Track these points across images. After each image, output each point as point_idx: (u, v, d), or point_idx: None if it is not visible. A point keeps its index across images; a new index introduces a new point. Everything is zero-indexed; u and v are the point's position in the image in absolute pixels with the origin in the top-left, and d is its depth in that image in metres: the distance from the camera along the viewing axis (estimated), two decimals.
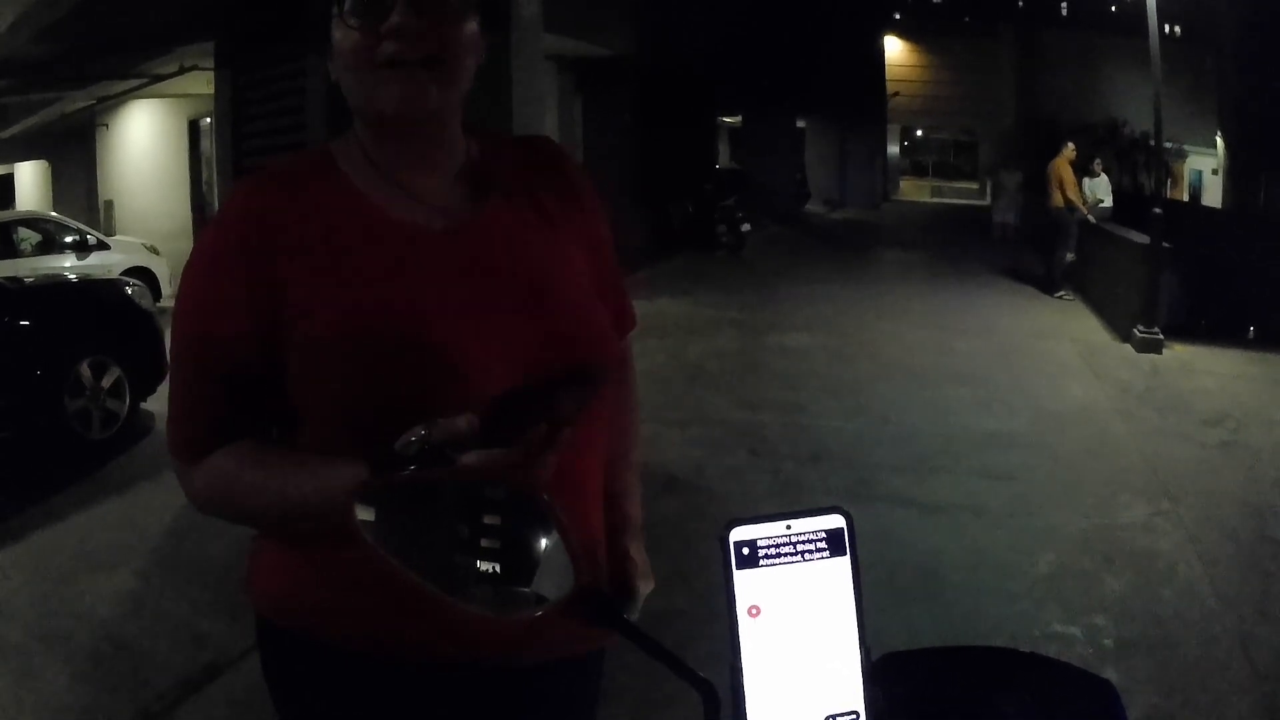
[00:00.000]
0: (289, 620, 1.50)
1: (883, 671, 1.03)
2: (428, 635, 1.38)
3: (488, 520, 1.04)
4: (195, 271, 1.41)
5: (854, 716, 0.99)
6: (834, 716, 0.98)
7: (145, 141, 20.15)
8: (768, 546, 0.99)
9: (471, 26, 1.39)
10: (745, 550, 0.98)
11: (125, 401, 7.68)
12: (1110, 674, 4.04)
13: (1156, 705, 3.96)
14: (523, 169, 1.54)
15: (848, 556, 1.00)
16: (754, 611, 0.97)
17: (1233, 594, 4.96)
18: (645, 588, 1.51)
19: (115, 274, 13.20)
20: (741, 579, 0.98)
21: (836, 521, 1.00)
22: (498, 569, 1.04)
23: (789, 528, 0.99)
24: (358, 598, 1.37)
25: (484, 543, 1.04)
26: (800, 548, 0.99)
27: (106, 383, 7.53)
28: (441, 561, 1.05)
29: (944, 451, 7.17)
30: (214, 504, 1.46)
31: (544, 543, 1.04)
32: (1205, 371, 9.92)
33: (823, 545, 1.00)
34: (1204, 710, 3.99)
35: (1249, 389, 9.27)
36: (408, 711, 1.48)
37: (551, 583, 1.03)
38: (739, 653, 0.96)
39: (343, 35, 1.36)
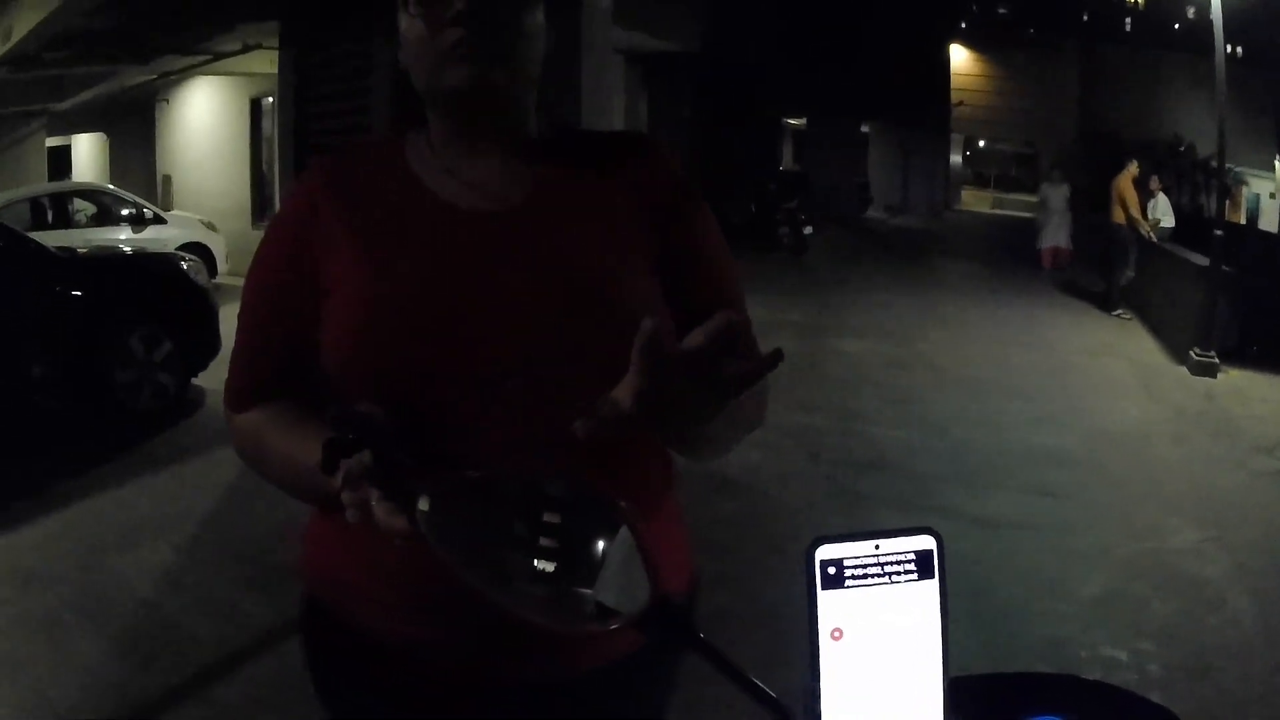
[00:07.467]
0: (331, 596, 1.49)
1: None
2: (470, 640, 1.34)
3: (547, 518, 1.00)
4: (265, 236, 1.51)
5: None
6: None
7: (206, 118, 20.22)
8: (855, 567, 0.95)
9: (535, 14, 1.41)
10: (831, 570, 0.94)
11: (176, 376, 7.70)
12: (1153, 700, 4.08)
13: None
14: (597, 162, 1.51)
15: (936, 579, 0.96)
16: (837, 634, 0.94)
17: (1278, 626, 4.88)
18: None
19: (171, 249, 13.23)
20: (826, 600, 0.94)
21: (927, 543, 0.97)
22: (555, 568, 0.98)
23: (878, 548, 0.95)
24: (400, 586, 1.35)
25: (542, 541, 0.99)
26: (888, 569, 0.96)
27: (158, 356, 7.57)
28: (494, 557, 1.01)
29: (998, 466, 7.13)
30: (246, 457, 1.53)
31: (605, 545, 0.99)
32: (1260, 399, 9.76)
33: (911, 567, 0.96)
34: None
35: None
36: (443, 712, 1.43)
37: (619, 592, 0.97)
38: (818, 677, 0.93)
39: (408, 25, 1.39)
